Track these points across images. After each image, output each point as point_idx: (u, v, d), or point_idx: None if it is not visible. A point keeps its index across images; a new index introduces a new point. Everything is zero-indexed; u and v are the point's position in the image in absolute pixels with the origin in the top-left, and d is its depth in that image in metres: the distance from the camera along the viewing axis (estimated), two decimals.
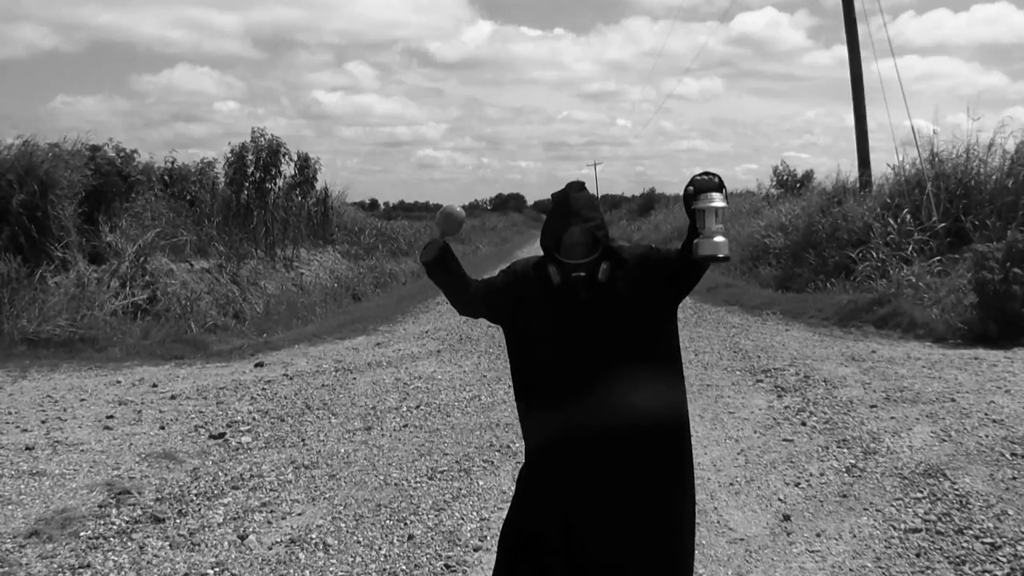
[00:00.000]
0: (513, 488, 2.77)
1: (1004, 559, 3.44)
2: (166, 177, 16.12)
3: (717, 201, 2.38)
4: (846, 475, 4.57)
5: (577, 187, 2.59)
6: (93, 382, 7.74)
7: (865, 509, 4.08)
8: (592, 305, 2.52)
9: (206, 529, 4.13)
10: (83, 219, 12.04)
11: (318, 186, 20.25)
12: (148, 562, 3.76)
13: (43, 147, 11.67)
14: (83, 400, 6.94)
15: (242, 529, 4.12)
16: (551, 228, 2.57)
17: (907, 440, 5.05)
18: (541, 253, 2.67)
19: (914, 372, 6.85)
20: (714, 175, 2.43)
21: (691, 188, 2.42)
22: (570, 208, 2.52)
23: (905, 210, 12.09)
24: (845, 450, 4.98)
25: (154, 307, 11.47)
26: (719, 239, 2.37)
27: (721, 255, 2.36)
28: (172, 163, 16.76)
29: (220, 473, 5.00)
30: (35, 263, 10.58)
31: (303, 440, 5.68)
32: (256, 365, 8.53)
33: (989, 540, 3.61)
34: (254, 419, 6.25)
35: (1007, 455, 4.63)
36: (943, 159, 12.80)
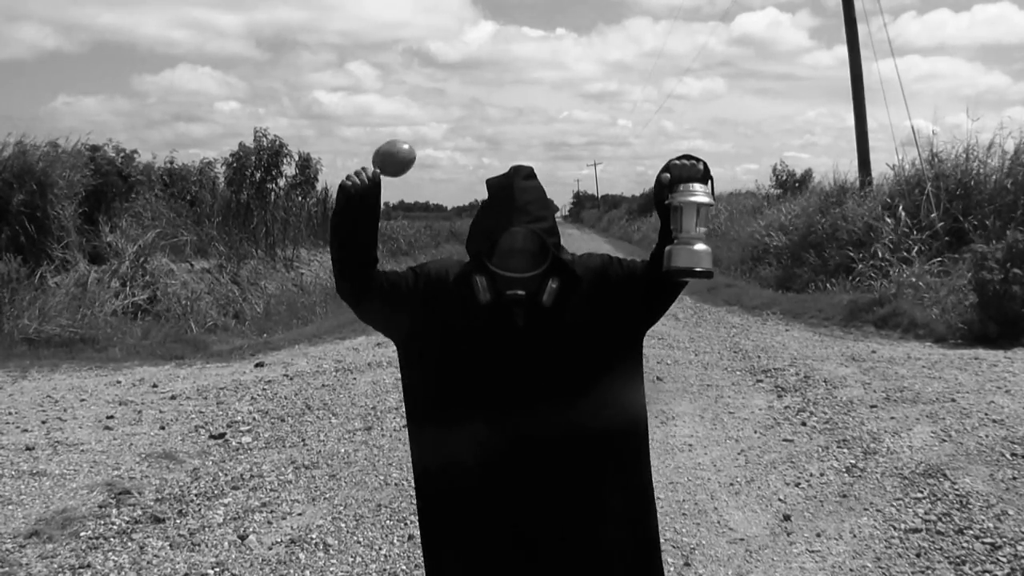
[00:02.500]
0: None
1: (1004, 559, 3.44)
2: (165, 177, 16.13)
3: (699, 195, 1.80)
4: (846, 475, 4.57)
5: (525, 173, 1.95)
6: (93, 382, 7.74)
7: (865, 509, 4.08)
8: (531, 336, 1.92)
9: (206, 529, 4.13)
10: (83, 219, 12.04)
11: (319, 186, 20.27)
12: (148, 562, 3.76)
13: (39, 147, 11.67)
14: (83, 400, 6.94)
15: (242, 529, 4.12)
16: (485, 226, 1.92)
17: (907, 440, 5.05)
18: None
19: (914, 372, 6.85)
20: (697, 160, 1.85)
21: (665, 176, 1.84)
22: (513, 202, 1.88)
23: (903, 209, 12.09)
24: (845, 450, 4.98)
25: (154, 307, 11.47)
26: (699, 246, 1.79)
27: (700, 268, 1.79)
28: (171, 163, 16.77)
29: (220, 473, 5.00)
30: (35, 263, 10.58)
31: (303, 440, 5.68)
32: (256, 365, 8.53)
33: (989, 540, 3.61)
34: (254, 419, 6.25)
35: (1007, 455, 4.63)
36: (942, 159, 12.81)
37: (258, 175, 18.07)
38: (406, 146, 1.99)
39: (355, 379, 7.65)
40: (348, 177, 1.93)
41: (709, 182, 1.85)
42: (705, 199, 1.81)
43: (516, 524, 1.94)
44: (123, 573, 3.67)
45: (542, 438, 1.90)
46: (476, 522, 1.96)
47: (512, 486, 1.92)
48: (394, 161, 1.96)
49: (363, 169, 1.94)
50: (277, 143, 18.27)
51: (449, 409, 1.95)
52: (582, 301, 1.94)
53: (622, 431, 1.98)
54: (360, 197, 1.92)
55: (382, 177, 1.97)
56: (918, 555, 3.55)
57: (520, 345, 1.92)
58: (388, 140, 1.99)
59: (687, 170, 1.84)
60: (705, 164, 1.86)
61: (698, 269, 1.79)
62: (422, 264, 2.10)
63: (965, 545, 3.60)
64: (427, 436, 2.01)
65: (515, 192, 1.90)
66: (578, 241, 36.40)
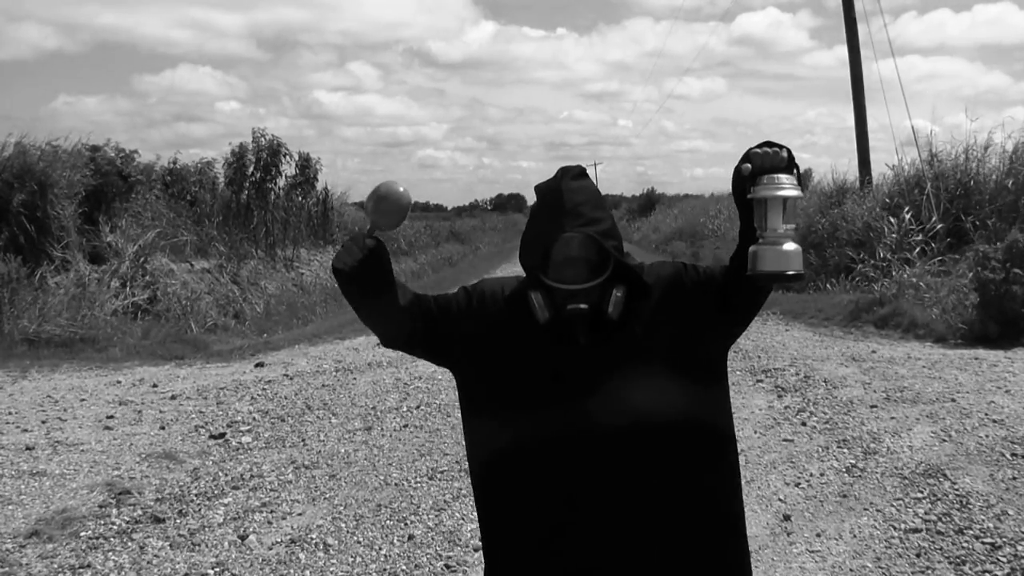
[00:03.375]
0: None
1: (1004, 559, 3.44)
2: (167, 177, 16.14)
3: (786, 187, 1.58)
4: (846, 475, 4.57)
5: (574, 173, 1.75)
6: (93, 382, 7.74)
7: (865, 509, 4.08)
8: (598, 354, 1.70)
9: (206, 529, 4.13)
10: (83, 219, 12.05)
11: (319, 186, 20.28)
12: (148, 562, 3.76)
13: (39, 147, 11.68)
14: (83, 400, 6.94)
15: (242, 529, 4.12)
16: (535, 236, 1.72)
17: (907, 440, 5.05)
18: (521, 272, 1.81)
19: (914, 372, 6.85)
20: (781, 147, 1.61)
21: (746, 166, 1.60)
22: (563, 206, 1.68)
23: (906, 210, 12.10)
24: (845, 450, 4.98)
25: (154, 307, 11.48)
26: (788, 246, 1.58)
27: (792, 271, 1.58)
28: (174, 163, 16.80)
29: (220, 473, 5.00)
30: (35, 263, 10.59)
31: (303, 440, 5.68)
32: (256, 365, 8.53)
33: (989, 540, 3.61)
34: (254, 419, 6.25)
35: (1007, 455, 4.63)
36: (941, 159, 12.82)
37: (257, 175, 18.09)
38: (401, 188, 1.72)
39: (355, 379, 7.65)
40: (338, 257, 1.68)
41: (795, 171, 1.61)
42: (792, 191, 1.58)
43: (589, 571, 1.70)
44: (123, 573, 3.67)
45: (615, 470, 1.67)
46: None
47: (587, 526, 1.68)
48: (390, 206, 1.71)
49: (351, 240, 1.71)
50: (275, 143, 18.28)
51: (514, 446, 1.71)
52: (654, 312, 1.71)
53: (705, 461, 1.73)
54: (354, 271, 1.68)
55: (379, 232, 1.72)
56: (918, 555, 3.55)
57: (586, 367, 1.68)
58: (383, 183, 1.74)
59: (770, 159, 1.59)
60: (789, 151, 1.61)
61: (789, 272, 1.57)
62: (476, 284, 1.88)
63: (965, 545, 3.60)
64: (493, 475, 1.78)
65: (564, 194, 1.69)
66: None
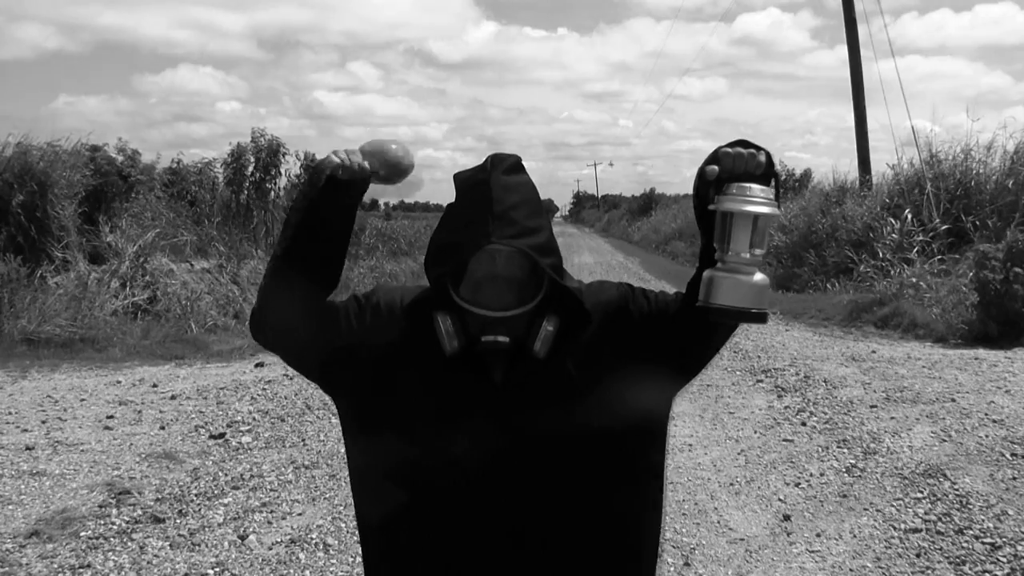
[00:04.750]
0: None
1: (1004, 559, 3.44)
2: (168, 177, 16.15)
3: (759, 202, 1.25)
4: (846, 475, 4.57)
5: (508, 165, 1.38)
6: (93, 382, 7.74)
7: (865, 509, 4.08)
8: (514, 399, 1.37)
9: (206, 529, 4.13)
10: (83, 219, 12.04)
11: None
12: (148, 562, 3.76)
13: (40, 147, 11.68)
14: (83, 400, 6.94)
15: (242, 529, 4.12)
16: (450, 242, 1.37)
17: (907, 440, 5.05)
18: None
19: (914, 372, 6.86)
20: (759, 149, 1.28)
21: (712, 168, 1.27)
22: (490, 207, 1.32)
23: (906, 210, 12.11)
24: (845, 450, 4.98)
25: (154, 307, 11.47)
26: (754, 277, 1.26)
27: (753, 309, 1.26)
28: (178, 163, 16.81)
29: (220, 473, 5.00)
30: (35, 263, 10.58)
31: (303, 440, 5.68)
32: (256, 365, 8.53)
33: (989, 540, 3.61)
34: (254, 419, 6.25)
35: (1007, 455, 4.63)
36: (941, 159, 12.83)
37: (257, 175, 18.09)
38: (405, 152, 1.47)
39: None
40: (335, 153, 1.38)
41: (773, 181, 1.28)
42: (765, 208, 1.25)
43: None
44: (123, 573, 3.67)
45: (532, 541, 1.38)
46: None
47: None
48: (389, 162, 1.45)
49: (350, 155, 1.39)
50: (275, 143, 18.28)
51: (407, 502, 1.41)
52: (591, 350, 1.39)
53: (636, 532, 1.47)
54: (347, 187, 1.38)
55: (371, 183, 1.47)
56: (918, 555, 3.55)
57: (499, 412, 1.36)
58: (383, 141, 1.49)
59: (743, 162, 1.26)
60: (768, 155, 1.28)
61: (749, 310, 1.25)
62: (370, 292, 1.51)
63: (965, 545, 3.60)
64: (379, 534, 1.48)
65: (493, 192, 1.33)
66: (578, 241, 36.42)
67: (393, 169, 1.45)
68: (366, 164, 1.41)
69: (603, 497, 1.41)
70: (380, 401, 1.42)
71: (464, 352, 1.37)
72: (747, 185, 1.26)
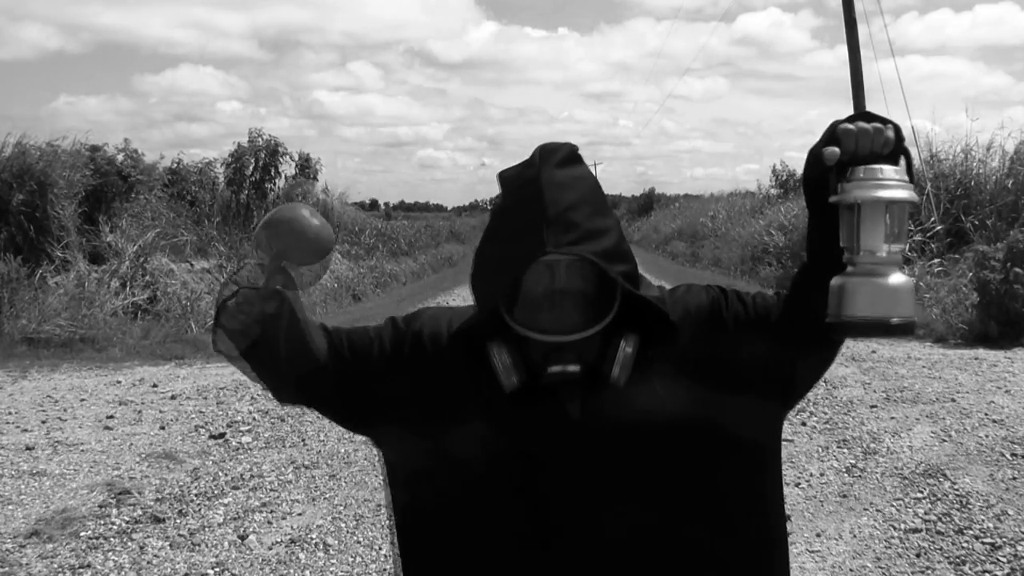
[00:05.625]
0: None
1: (1004, 559, 3.44)
2: (169, 176, 16.16)
3: (893, 186, 1.03)
4: (846, 475, 4.57)
5: (562, 157, 1.15)
6: (93, 382, 7.74)
7: (865, 509, 4.08)
8: (595, 436, 1.16)
9: (206, 529, 4.13)
10: (83, 219, 12.05)
11: (318, 186, 20.28)
12: (148, 562, 3.76)
13: (39, 147, 11.69)
14: (83, 400, 6.94)
15: (242, 529, 4.12)
16: (498, 256, 1.15)
17: (907, 440, 5.05)
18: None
19: (914, 372, 6.86)
20: (885, 121, 1.07)
21: (832, 150, 1.04)
22: (543, 209, 1.10)
23: None
24: (845, 450, 4.98)
25: (154, 307, 11.47)
26: (895, 279, 1.04)
27: (897, 319, 1.03)
28: (179, 163, 16.82)
29: (220, 473, 5.00)
30: (35, 263, 10.59)
31: (303, 440, 5.68)
32: None
33: (989, 540, 3.61)
34: (254, 419, 6.25)
35: (1007, 455, 4.63)
36: (941, 159, 12.84)
37: (257, 175, 18.10)
38: (309, 216, 1.21)
39: None
40: (227, 286, 1.20)
41: (902, 161, 1.06)
42: (902, 192, 1.03)
43: None
44: (123, 573, 3.67)
45: None
46: None
47: None
48: (294, 233, 1.19)
49: (238, 271, 1.21)
50: (273, 143, 18.29)
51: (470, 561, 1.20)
52: (681, 370, 1.17)
53: None
54: (242, 329, 1.18)
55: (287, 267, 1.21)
56: (918, 555, 3.55)
57: (577, 453, 1.15)
58: (285, 206, 1.24)
59: (867, 139, 1.04)
60: (897, 128, 1.06)
61: (893, 320, 1.03)
62: (411, 316, 1.29)
63: (965, 545, 3.60)
64: None
65: (545, 191, 1.10)
66: None
67: (309, 253, 1.21)
68: (268, 258, 1.19)
69: (706, 540, 1.19)
70: (431, 447, 1.20)
71: (526, 390, 1.14)
72: (877, 167, 1.04)
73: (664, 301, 1.19)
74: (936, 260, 10.86)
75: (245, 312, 1.17)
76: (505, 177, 1.18)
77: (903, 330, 1.04)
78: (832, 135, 1.06)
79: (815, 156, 1.07)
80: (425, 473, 1.22)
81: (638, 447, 1.16)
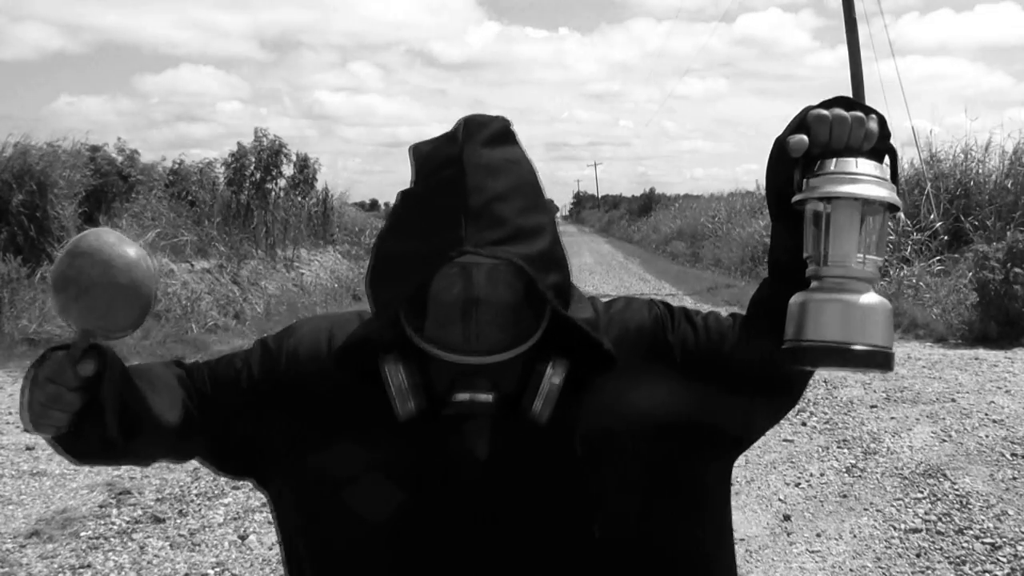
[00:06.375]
0: None
1: (1004, 559, 3.45)
2: (170, 177, 16.17)
3: (869, 183, 0.84)
4: (846, 475, 4.57)
5: (490, 134, 0.93)
6: None
7: (865, 509, 4.08)
8: (504, 484, 0.95)
9: (206, 529, 4.13)
10: (83, 219, 12.06)
11: (318, 186, 20.29)
12: (148, 562, 3.77)
13: (39, 147, 11.71)
14: None
15: (242, 529, 4.12)
16: (404, 249, 0.92)
17: (907, 440, 5.05)
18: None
19: (914, 372, 6.86)
20: (868, 111, 0.87)
21: (800, 140, 0.85)
22: (464, 196, 0.88)
23: (903, 210, 12.13)
24: (845, 450, 4.98)
25: (154, 307, 11.50)
26: (867, 298, 0.85)
27: (861, 347, 0.85)
28: (180, 164, 16.84)
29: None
30: (35, 263, 10.60)
31: None
32: None
33: (989, 540, 3.61)
34: None
35: (1007, 455, 4.63)
36: (940, 159, 12.86)
37: (258, 175, 18.10)
38: (131, 253, 0.95)
39: None
40: (31, 412, 0.96)
41: (890, 155, 0.89)
42: (881, 191, 0.84)
43: None
44: (123, 573, 3.67)
45: None
46: None
47: None
48: (104, 296, 0.93)
49: (51, 368, 0.94)
50: (276, 143, 18.30)
51: None
52: (616, 405, 0.97)
53: None
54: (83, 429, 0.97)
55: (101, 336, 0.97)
56: (918, 555, 3.55)
57: (482, 499, 0.95)
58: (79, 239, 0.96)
59: (843, 128, 0.85)
60: (881, 119, 0.87)
61: (857, 347, 0.84)
62: (283, 333, 1.09)
63: (965, 545, 3.60)
64: None
65: (468, 174, 0.89)
66: (578, 240, 36.38)
67: (126, 314, 0.94)
68: (81, 365, 0.93)
69: None
70: (315, 484, 1.01)
71: (425, 420, 0.93)
72: (852, 159, 0.85)
73: (598, 322, 0.98)
74: (936, 260, 10.87)
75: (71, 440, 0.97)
76: (420, 152, 0.94)
77: (873, 360, 0.85)
78: (802, 122, 0.87)
79: (780, 146, 0.87)
80: (313, 519, 1.03)
81: (553, 498, 0.94)
